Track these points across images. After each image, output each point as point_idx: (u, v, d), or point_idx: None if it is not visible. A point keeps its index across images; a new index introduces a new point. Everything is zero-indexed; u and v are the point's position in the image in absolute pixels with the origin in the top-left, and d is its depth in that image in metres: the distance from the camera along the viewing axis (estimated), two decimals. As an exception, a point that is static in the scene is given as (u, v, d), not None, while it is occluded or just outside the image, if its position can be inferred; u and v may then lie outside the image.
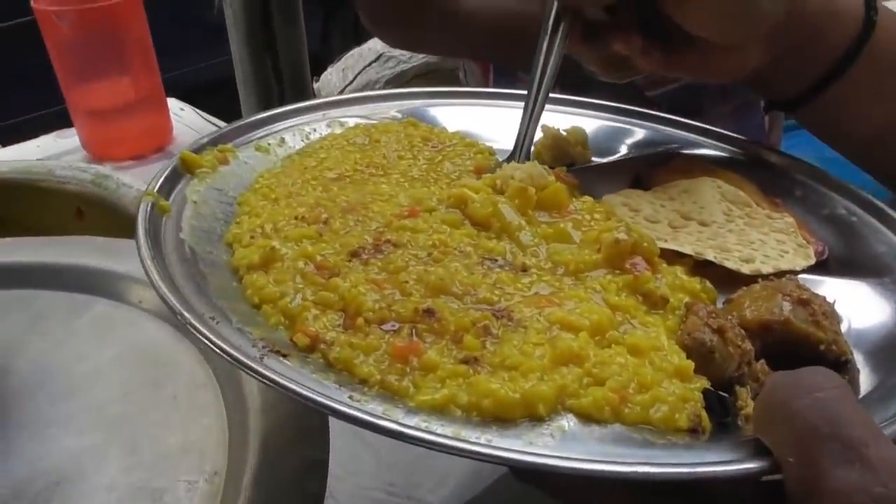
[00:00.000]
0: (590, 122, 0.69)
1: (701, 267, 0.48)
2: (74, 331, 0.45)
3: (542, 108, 0.58)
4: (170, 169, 0.51)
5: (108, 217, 0.84)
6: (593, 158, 0.65)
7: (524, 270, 0.45)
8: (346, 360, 0.38)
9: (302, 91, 1.57)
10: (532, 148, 0.61)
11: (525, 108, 0.58)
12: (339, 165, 0.58)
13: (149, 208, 0.46)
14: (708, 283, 0.46)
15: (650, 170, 0.62)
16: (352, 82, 2.59)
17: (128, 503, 0.45)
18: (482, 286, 0.42)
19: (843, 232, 0.54)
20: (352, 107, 0.67)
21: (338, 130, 0.64)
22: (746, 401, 0.39)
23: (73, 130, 1.36)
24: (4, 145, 1.43)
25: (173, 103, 1.45)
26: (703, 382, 0.38)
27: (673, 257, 0.48)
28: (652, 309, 0.43)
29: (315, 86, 2.73)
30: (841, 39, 0.56)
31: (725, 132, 0.66)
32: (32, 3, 1.19)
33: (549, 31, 0.57)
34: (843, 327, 0.43)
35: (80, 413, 0.49)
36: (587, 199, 0.53)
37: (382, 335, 0.39)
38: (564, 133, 0.64)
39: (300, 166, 0.57)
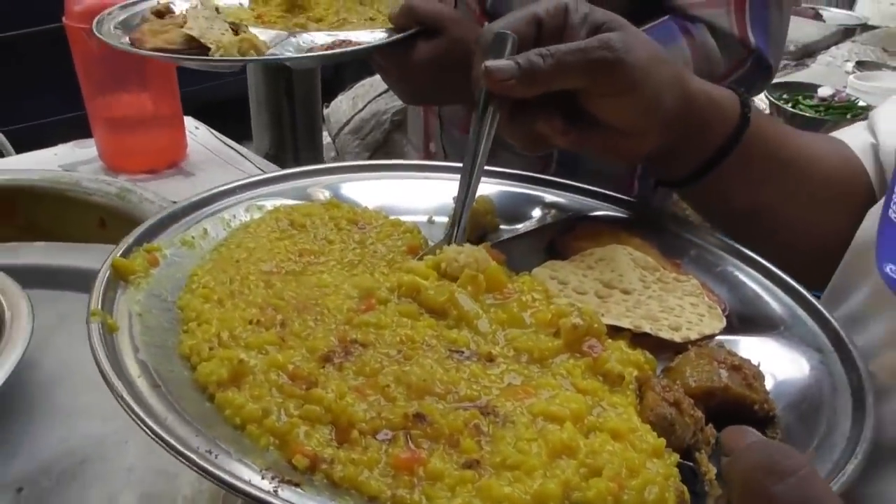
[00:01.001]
0: (489, 188, 0.73)
1: (637, 336, 0.53)
2: (97, 329, 0.47)
3: (476, 187, 0.61)
4: (105, 280, 0.49)
5: (129, 228, 0.91)
6: (501, 226, 0.69)
7: (491, 360, 0.47)
8: (352, 479, 0.38)
9: (312, 115, 1.66)
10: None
11: (460, 188, 0.60)
12: (272, 256, 0.57)
13: (100, 330, 0.44)
14: (648, 354, 0.51)
15: (561, 237, 0.66)
16: (361, 111, 2.64)
17: (145, 482, 0.54)
18: (461, 383, 0.44)
19: (735, 288, 0.62)
20: (265, 187, 0.66)
21: (256, 215, 0.63)
22: (708, 466, 0.43)
23: (91, 141, 1.39)
24: (18, 151, 1.49)
25: (189, 121, 1.50)
26: (675, 457, 0.42)
27: (612, 329, 0.53)
28: (611, 387, 0.47)
29: (325, 111, 2.74)
30: (723, 130, 0.64)
31: (619, 195, 0.72)
32: (64, 19, 1.25)
33: (479, 112, 0.61)
34: (768, 383, 0.50)
35: (102, 403, 0.54)
36: (524, 277, 0.56)
37: (379, 446, 0.40)
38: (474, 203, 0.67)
39: (231, 260, 0.56)
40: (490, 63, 0.57)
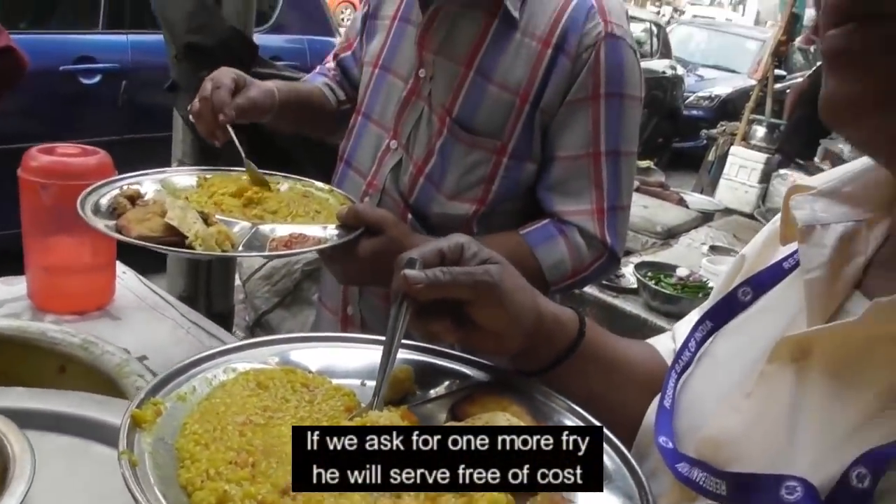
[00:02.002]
0: (411, 357, 0.95)
1: (504, 484, 0.74)
2: (76, 471, 0.59)
3: (393, 364, 0.82)
4: (126, 427, 0.68)
5: (88, 375, 1.06)
6: (417, 392, 0.91)
7: (398, 497, 0.67)
8: (299, 575, 0.57)
9: (227, 263, 1.74)
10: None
11: (380, 367, 0.82)
12: (243, 410, 0.77)
13: (128, 465, 0.63)
14: (510, 496, 0.72)
15: (459, 404, 0.88)
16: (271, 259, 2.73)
17: None
18: (377, 511, 0.64)
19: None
20: (237, 353, 0.87)
21: (231, 375, 0.83)
22: (541, 577, 0.64)
23: (19, 279, 1.43)
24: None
25: (118, 267, 1.57)
26: (517, 569, 0.63)
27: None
28: (481, 519, 0.68)
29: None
30: (563, 342, 0.90)
31: (506, 369, 0.95)
32: (19, 171, 1.30)
33: (395, 309, 0.83)
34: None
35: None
36: (426, 436, 0.78)
37: (318, 554, 0.60)
38: (396, 372, 0.89)
39: (213, 412, 0.76)
40: (407, 271, 0.81)
